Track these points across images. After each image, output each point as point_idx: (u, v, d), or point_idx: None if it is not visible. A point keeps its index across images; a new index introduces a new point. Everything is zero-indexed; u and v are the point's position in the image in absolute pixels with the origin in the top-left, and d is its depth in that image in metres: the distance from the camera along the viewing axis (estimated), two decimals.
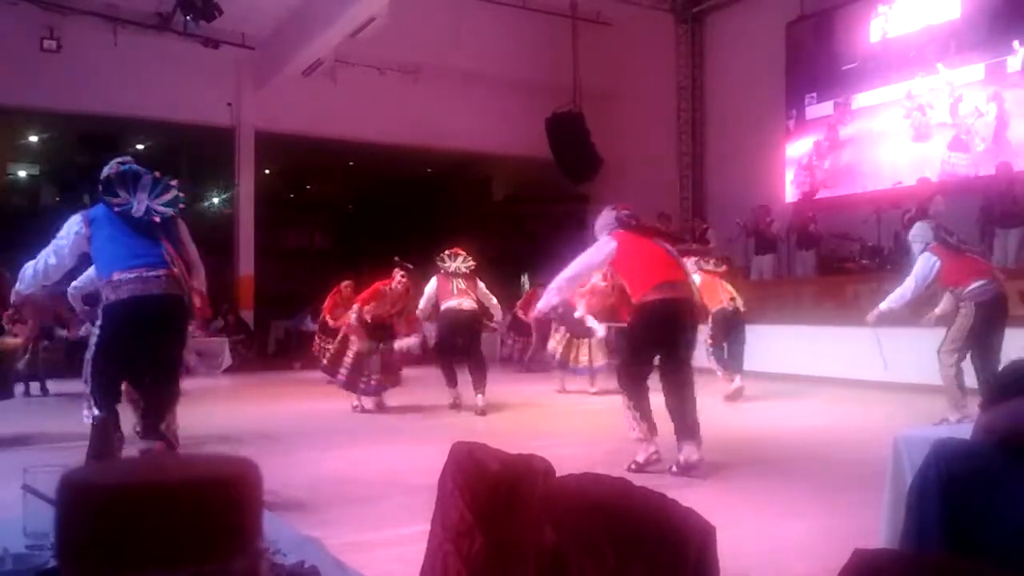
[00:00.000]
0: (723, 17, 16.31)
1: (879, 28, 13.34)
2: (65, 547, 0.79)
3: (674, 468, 5.22)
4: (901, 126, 13.01)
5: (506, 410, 8.54)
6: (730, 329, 9.12)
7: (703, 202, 16.48)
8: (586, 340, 9.93)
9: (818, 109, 14.30)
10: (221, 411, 9.06)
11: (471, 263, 9.12)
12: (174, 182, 4.62)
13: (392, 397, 9.07)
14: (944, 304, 6.91)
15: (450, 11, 15.67)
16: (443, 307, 9.02)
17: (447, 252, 9.20)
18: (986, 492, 1.85)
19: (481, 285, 9.18)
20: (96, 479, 0.82)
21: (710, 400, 8.94)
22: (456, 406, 8.94)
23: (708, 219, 15.37)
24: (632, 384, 5.38)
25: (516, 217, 23.04)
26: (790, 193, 14.63)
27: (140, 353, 4.32)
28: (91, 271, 5.01)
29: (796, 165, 14.67)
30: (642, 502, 1.12)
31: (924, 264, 6.65)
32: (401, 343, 8.90)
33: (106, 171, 4.51)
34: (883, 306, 6.91)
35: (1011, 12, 11.48)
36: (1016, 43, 11.45)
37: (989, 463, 1.90)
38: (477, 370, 8.80)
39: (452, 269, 9.04)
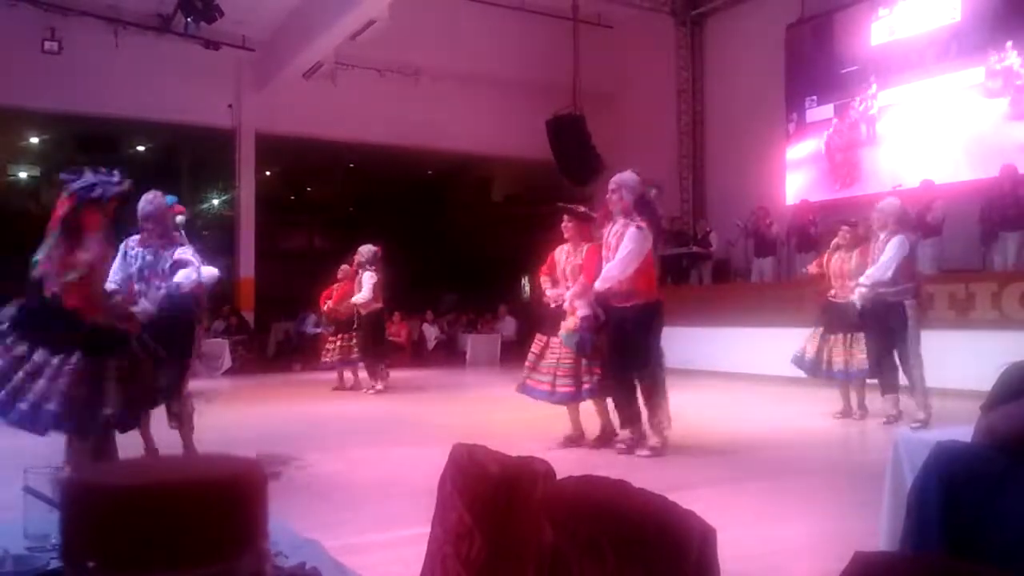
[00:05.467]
0: (723, 19, 16.33)
1: (879, 31, 13.35)
2: (70, 548, 0.80)
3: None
4: (903, 128, 13.03)
5: (506, 411, 8.53)
6: None
7: (703, 204, 16.49)
8: None
9: (818, 112, 14.31)
10: (221, 413, 9.05)
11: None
12: None
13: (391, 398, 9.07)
14: None
15: (450, 13, 15.68)
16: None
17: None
18: (986, 494, 1.86)
19: None
20: (100, 481, 0.82)
21: (711, 401, 8.98)
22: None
23: (709, 221, 15.39)
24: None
25: (516, 219, 23.06)
26: (790, 195, 14.64)
27: None
28: None
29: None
30: (642, 504, 1.12)
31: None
32: None
33: None
34: None
35: (1011, 14, 11.49)
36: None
37: (989, 465, 1.90)
38: None
39: None
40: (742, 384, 10.96)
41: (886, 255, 6.96)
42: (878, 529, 2.89)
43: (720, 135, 16.21)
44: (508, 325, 18.99)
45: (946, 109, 12.35)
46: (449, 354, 17.97)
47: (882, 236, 7.16)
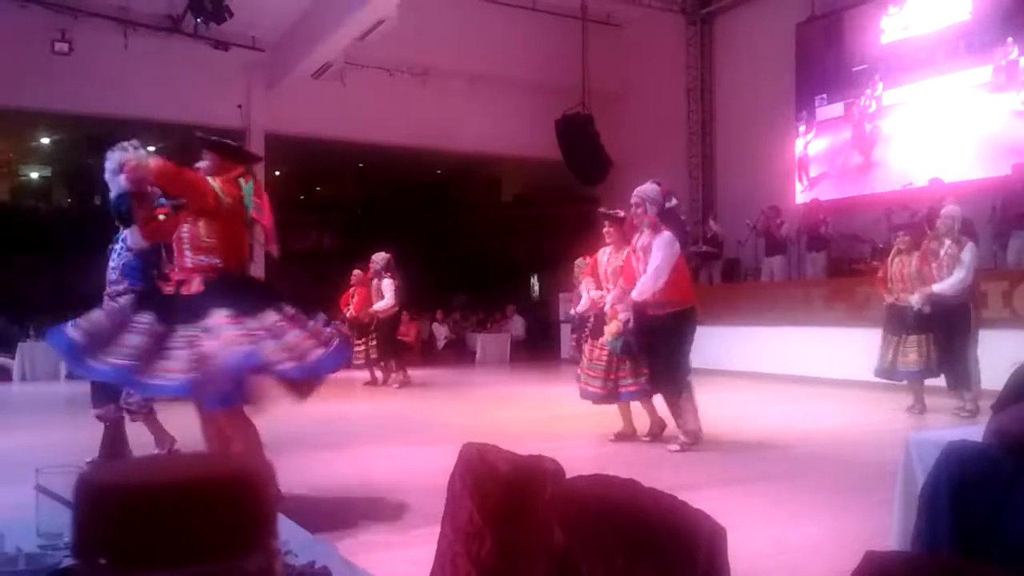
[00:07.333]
0: (733, 18, 16.29)
1: (889, 29, 13.30)
2: (82, 546, 0.80)
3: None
4: (913, 126, 12.98)
5: (516, 410, 8.54)
6: None
7: (713, 203, 16.45)
8: None
9: (828, 110, 14.26)
10: None
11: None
12: None
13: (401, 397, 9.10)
14: None
15: (459, 13, 15.68)
16: None
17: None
18: (997, 495, 1.85)
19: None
20: (113, 479, 0.83)
21: (721, 400, 8.95)
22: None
23: (719, 220, 15.36)
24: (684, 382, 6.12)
25: (525, 218, 23.09)
26: (800, 194, 14.60)
27: None
28: None
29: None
30: (652, 503, 1.12)
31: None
32: None
33: None
34: None
35: (1020, 13, 11.44)
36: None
37: (1000, 466, 1.90)
38: None
39: None
40: (752, 383, 10.92)
41: (965, 263, 7.39)
42: (889, 529, 2.88)
43: (729, 134, 16.18)
44: (517, 324, 19.01)
45: (956, 107, 12.30)
46: (459, 353, 17.99)
47: (947, 242, 7.53)
